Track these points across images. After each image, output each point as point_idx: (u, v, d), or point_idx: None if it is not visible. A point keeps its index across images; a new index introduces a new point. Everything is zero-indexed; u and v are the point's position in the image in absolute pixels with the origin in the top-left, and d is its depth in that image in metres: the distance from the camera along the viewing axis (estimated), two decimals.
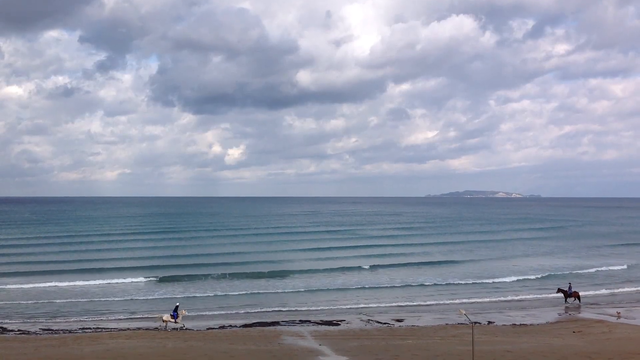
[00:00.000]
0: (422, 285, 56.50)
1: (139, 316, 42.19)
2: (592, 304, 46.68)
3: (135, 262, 71.80)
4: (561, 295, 47.17)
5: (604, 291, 52.63)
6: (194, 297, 50.16)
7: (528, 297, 50.14)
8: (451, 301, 48.10)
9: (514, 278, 59.30)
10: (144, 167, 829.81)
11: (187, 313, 39.33)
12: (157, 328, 37.36)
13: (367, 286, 55.72)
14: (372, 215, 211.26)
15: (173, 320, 37.76)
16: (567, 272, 63.78)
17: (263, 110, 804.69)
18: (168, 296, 50.12)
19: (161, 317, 37.98)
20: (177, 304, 40.61)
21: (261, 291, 52.76)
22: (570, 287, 47.52)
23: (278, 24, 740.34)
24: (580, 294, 47.29)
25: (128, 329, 37.06)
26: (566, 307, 45.54)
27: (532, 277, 60.32)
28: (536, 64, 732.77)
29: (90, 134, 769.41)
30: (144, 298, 49.45)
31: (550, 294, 49.28)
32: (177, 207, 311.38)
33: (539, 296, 50.54)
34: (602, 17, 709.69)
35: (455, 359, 27.70)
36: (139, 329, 37.09)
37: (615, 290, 52.91)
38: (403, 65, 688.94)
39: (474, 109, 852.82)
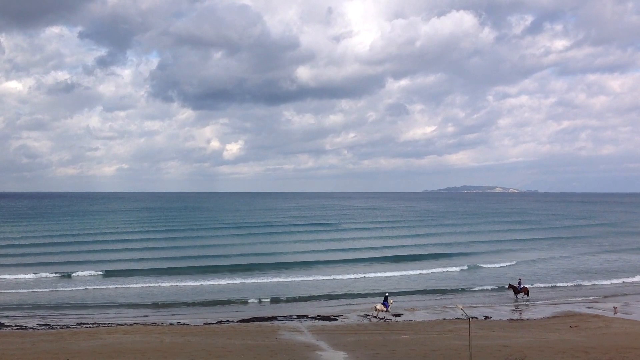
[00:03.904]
0: (419, 279, 56.55)
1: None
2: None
3: (131, 256, 71.95)
4: (511, 291, 47.47)
5: None
6: (191, 291, 50.20)
7: None
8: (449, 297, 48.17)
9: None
10: (142, 162, 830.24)
11: (393, 302, 41.18)
12: (367, 315, 39.59)
13: (364, 280, 55.81)
14: (370, 210, 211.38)
15: (385, 309, 39.35)
16: None
17: (262, 105, 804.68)
18: (166, 289, 50.21)
19: (374, 307, 39.62)
20: (387, 293, 41.94)
21: (258, 285, 52.83)
22: (519, 283, 47.89)
23: (279, 20, 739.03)
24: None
25: (125, 324, 37.04)
26: (516, 303, 45.63)
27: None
28: (534, 60, 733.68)
29: (89, 129, 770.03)
30: (141, 292, 49.52)
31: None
32: (174, 202, 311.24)
33: None
34: (600, 12, 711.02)
35: (452, 353, 27.70)
36: (136, 324, 37.08)
37: None
38: (402, 61, 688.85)
39: (472, 105, 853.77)
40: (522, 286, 47.35)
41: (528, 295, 46.81)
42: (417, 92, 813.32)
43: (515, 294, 47.04)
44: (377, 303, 40.48)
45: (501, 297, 47.95)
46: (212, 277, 57.23)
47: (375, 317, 39.03)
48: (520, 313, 41.75)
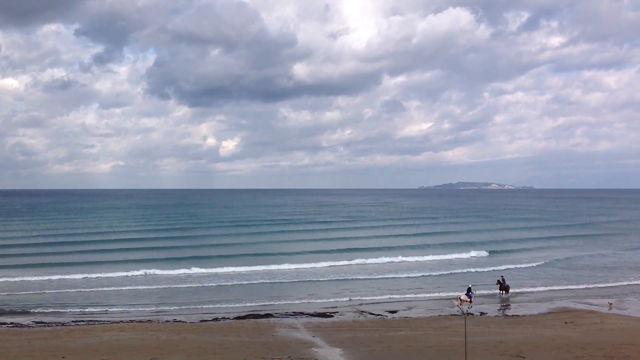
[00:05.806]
0: (415, 276, 56.55)
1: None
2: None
3: (128, 255, 71.94)
4: (498, 288, 47.57)
5: None
6: (189, 289, 50.15)
7: None
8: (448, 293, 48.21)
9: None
10: (138, 159, 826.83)
11: (476, 293, 41.91)
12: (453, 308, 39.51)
13: (360, 277, 55.82)
14: (365, 206, 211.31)
15: (469, 300, 39.62)
16: None
17: (258, 102, 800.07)
18: (164, 288, 50.17)
19: (459, 297, 39.81)
20: (470, 285, 43.05)
21: (256, 283, 52.88)
22: (503, 280, 48.18)
23: (276, 17, 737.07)
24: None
25: (121, 321, 37.01)
26: (501, 299, 45.88)
27: None
28: (531, 56, 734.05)
29: (85, 126, 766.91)
30: (137, 290, 49.47)
31: None
32: (171, 200, 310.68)
33: None
34: (597, 9, 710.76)
35: (448, 349, 27.75)
36: (132, 321, 37.06)
37: None
38: (399, 57, 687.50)
39: (468, 101, 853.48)
40: (506, 284, 47.83)
41: (507, 292, 47.30)
42: (414, 89, 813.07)
43: (500, 290, 47.55)
44: (460, 294, 41.29)
45: (493, 295, 47.90)
46: (209, 276, 57.24)
47: (459, 308, 38.84)
48: (512, 308, 41.88)
